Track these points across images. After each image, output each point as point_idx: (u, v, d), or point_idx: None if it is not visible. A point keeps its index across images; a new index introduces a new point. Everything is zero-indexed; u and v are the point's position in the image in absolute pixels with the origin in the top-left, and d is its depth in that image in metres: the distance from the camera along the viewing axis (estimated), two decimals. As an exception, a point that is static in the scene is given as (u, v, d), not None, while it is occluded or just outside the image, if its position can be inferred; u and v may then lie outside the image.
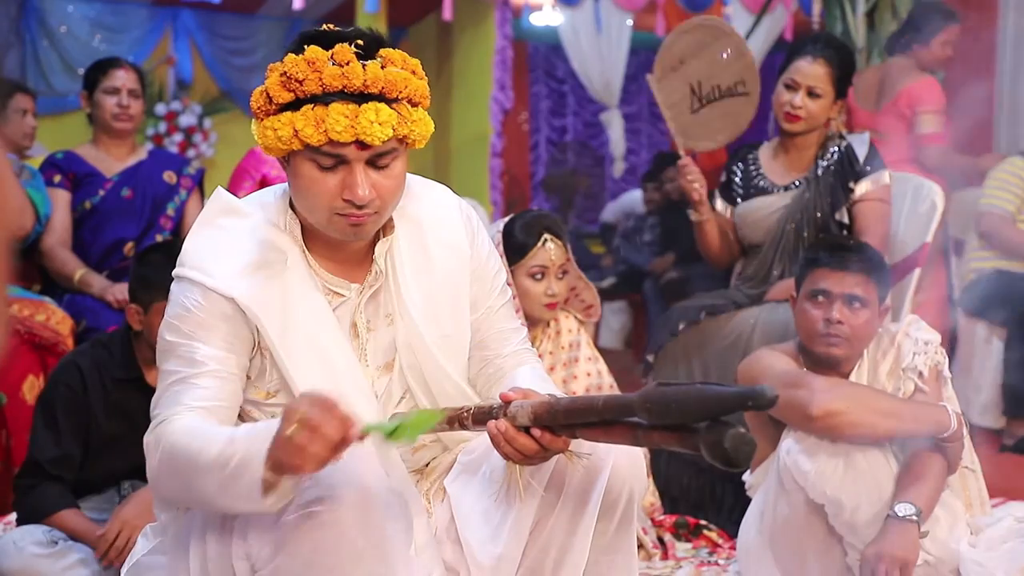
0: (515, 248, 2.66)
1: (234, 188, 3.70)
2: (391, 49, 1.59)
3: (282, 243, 1.67)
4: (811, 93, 3.05)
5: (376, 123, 1.52)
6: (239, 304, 1.60)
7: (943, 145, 4.17)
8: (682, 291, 5.61)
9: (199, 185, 3.57)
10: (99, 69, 3.40)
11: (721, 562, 2.68)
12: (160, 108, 7.56)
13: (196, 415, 1.56)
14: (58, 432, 2.45)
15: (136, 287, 2.52)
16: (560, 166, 9.52)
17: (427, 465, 1.82)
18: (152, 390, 2.47)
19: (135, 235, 3.35)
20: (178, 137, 7.58)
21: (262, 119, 1.58)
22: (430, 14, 7.27)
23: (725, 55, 3.23)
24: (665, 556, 2.72)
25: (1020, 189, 4.16)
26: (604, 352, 6.59)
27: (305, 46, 1.55)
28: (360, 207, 1.57)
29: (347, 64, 1.52)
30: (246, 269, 1.63)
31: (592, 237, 8.16)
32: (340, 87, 1.51)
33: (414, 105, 1.59)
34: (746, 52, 3.24)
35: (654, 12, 6.62)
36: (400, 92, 1.56)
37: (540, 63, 9.76)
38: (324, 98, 1.52)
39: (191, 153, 7.59)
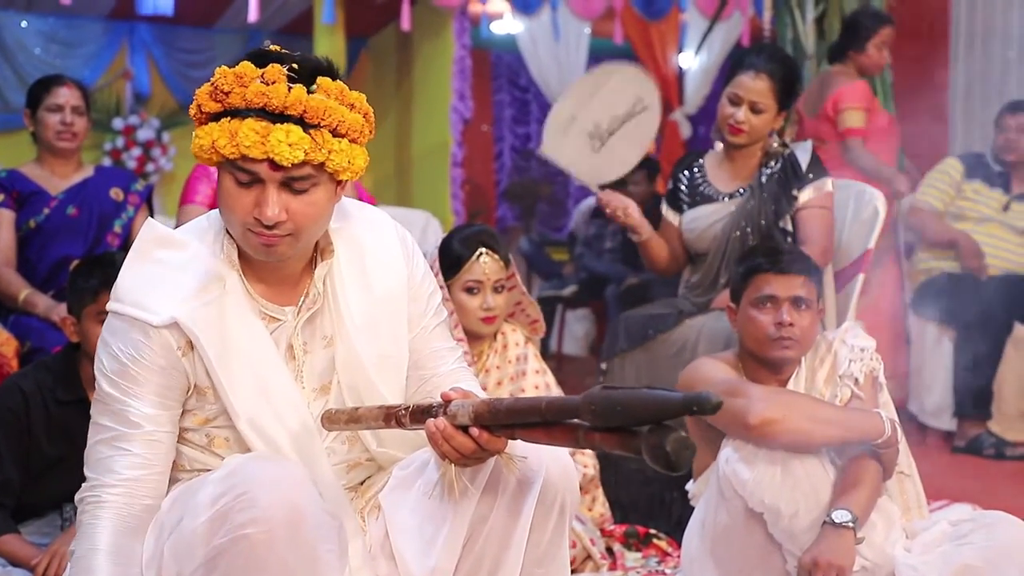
0: (451, 262, 2.67)
1: (191, 194, 3.64)
2: (333, 80, 1.60)
3: (219, 270, 1.68)
4: (754, 108, 3.07)
5: (286, 143, 1.53)
6: (181, 325, 1.61)
7: (864, 138, 4.25)
8: (642, 297, 5.64)
9: (147, 202, 3.54)
10: (42, 86, 3.36)
11: (668, 571, 2.69)
12: (118, 122, 7.52)
13: (123, 509, 1.62)
14: (-1, 457, 2.43)
15: (70, 298, 2.55)
16: (524, 174, 9.53)
17: (362, 483, 1.83)
18: (96, 411, 2.49)
19: (81, 253, 3.30)
20: (136, 151, 7.54)
21: (195, 128, 1.62)
22: (389, 24, 7.27)
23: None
24: (613, 566, 2.72)
25: (949, 187, 4.35)
26: (567, 359, 6.62)
27: (243, 61, 1.58)
28: (269, 227, 1.58)
29: (272, 83, 1.54)
30: (183, 297, 1.64)
31: (555, 244, 8.18)
32: (260, 104, 1.54)
33: (338, 136, 1.59)
34: (639, 75, 3.31)
35: (612, 19, 6.65)
36: (322, 119, 1.56)
37: (503, 71, 9.77)
38: (243, 112, 1.54)
39: (150, 167, 7.54)
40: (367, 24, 7.34)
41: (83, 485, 1.66)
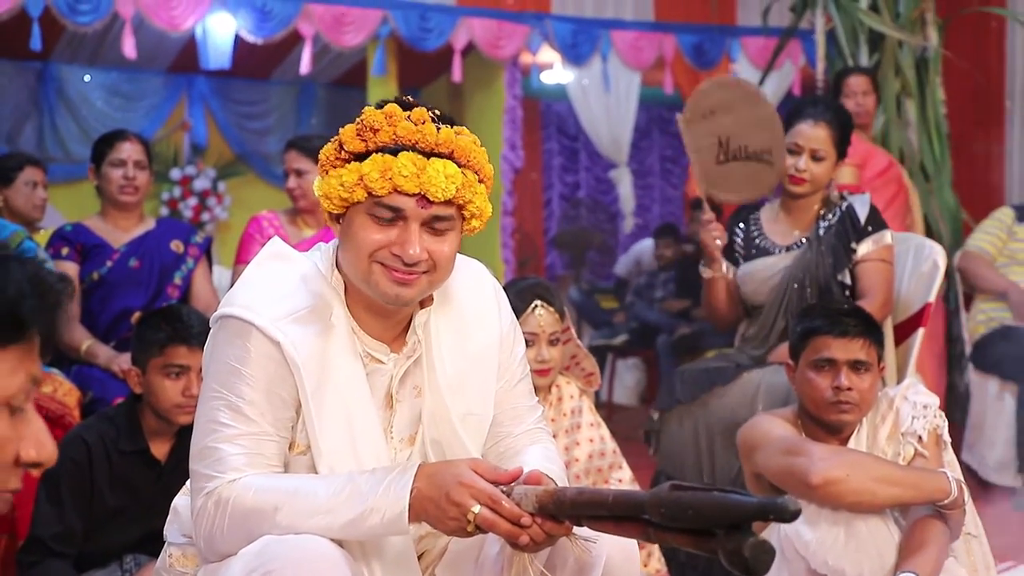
0: None
1: (244, 254, 3.72)
2: (467, 130, 1.63)
3: (328, 296, 1.66)
4: (815, 156, 3.07)
5: (443, 175, 1.55)
6: (284, 351, 1.59)
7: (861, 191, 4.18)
8: (694, 347, 5.61)
9: (206, 253, 3.59)
10: (105, 142, 3.44)
11: (727, 631, 2.64)
12: (175, 173, 7.66)
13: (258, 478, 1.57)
14: (61, 507, 2.45)
15: (135, 350, 2.57)
16: (573, 222, 9.55)
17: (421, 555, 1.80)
18: (156, 463, 2.53)
19: (142, 305, 3.36)
20: (193, 201, 7.67)
21: (328, 171, 1.61)
22: (440, 76, 7.36)
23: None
24: (670, 625, 2.68)
25: (1001, 231, 4.35)
26: (618, 408, 6.57)
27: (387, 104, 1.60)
28: (408, 265, 1.58)
29: (422, 123, 1.57)
30: (294, 316, 1.62)
31: (604, 292, 8.16)
32: (412, 142, 1.56)
33: (480, 182, 1.62)
34: (777, 125, 3.20)
35: (662, 69, 6.69)
36: (469, 160, 1.60)
37: (552, 120, 9.83)
38: (395, 149, 1.55)
39: (205, 216, 7.67)
40: (419, 75, 7.44)
41: (199, 488, 1.59)
